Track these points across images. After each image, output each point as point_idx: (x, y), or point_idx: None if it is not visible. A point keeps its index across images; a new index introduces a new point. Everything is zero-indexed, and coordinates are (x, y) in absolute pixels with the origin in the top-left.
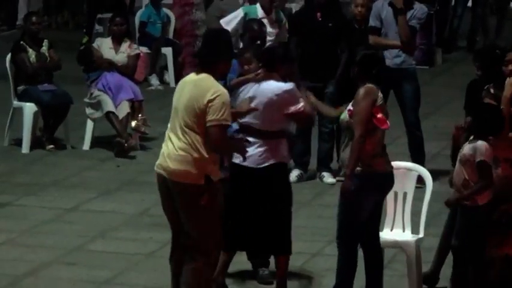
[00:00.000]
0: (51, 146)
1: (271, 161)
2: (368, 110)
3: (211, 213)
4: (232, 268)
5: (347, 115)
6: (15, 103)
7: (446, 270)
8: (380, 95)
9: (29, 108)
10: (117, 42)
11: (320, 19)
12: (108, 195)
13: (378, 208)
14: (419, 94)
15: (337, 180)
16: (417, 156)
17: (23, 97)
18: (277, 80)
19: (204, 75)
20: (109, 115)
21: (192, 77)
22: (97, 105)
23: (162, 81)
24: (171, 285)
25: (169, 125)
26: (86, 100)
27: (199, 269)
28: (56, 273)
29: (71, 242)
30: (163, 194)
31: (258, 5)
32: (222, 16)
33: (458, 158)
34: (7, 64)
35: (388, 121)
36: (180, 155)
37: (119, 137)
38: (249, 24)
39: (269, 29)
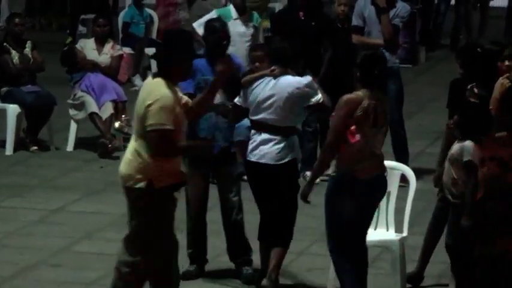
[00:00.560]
0: (35, 147)
1: (289, 158)
2: (341, 121)
3: (152, 221)
4: (214, 267)
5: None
6: None
7: (432, 269)
8: (365, 104)
9: (13, 110)
10: (100, 43)
11: (303, 18)
12: (93, 196)
13: (362, 213)
14: (402, 93)
15: (321, 180)
16: (401, 155)
17: (7, 98)
18: (293, 74)
19: (154, 80)
20: (92, 116)
21: (147, 80)
22: (80, 106)
23: None
24: None
25: None
26: (70, 101)
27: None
28: (42, 274)
29: (56, 244)
30: None
31: (231, 6)
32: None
33: (448, 157)
34: None
35: (358, 135)
36: (128, 158)
37: (103, 137)
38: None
39: (243, 29)
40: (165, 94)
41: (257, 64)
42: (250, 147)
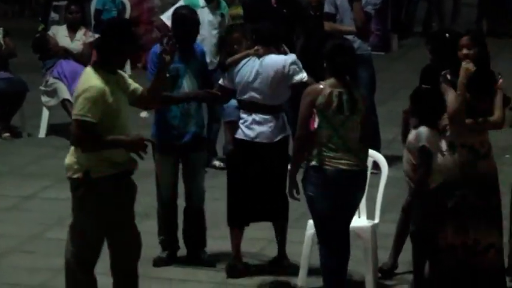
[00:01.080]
0: (7, 134)
1: (282, 135)
2: (305, 112)
3: (90, 211)
4: (185, 253)
5: None
6: None
7: (405, 256)
8: (326, 92)
9: None
10: (73, 30)
11: (275, 5)
12: (65, 182)
13: (332, 203)
14: (374, 80)
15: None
16: (373, 142)
17: None
18: (276, 53)
19: (87, 69)
20: (65, 103)
21: (86, 68)
22: (53, 93)
23: None
24: None
25: None
26: (42, 88)
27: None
28: (15, 261)
29: (29, 230)
30: None
31: None
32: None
33: (406, 144)
34: None
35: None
36: (71, 148)
37: None
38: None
39: (211, 17)
40: (92, 85)
41: (235, 46)
42: (242, 126)
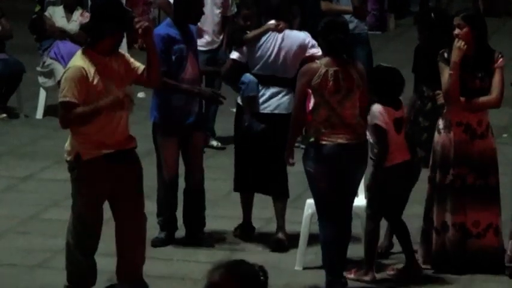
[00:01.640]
0: (4, 115)
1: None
2: (301, 91)
3: (82, 192)
4: (183, 234)
5: None
6: None
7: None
8: (322, 71)
9: None
10: (69, 11)
11: None
12: (62, 163)
13: (330, 180)
14: (371, 59)
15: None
16: None
17: None
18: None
19: (78, 51)
20: None
21: None
22: (49, 74)
23: None
24: None
25: None
26: (39, 69)
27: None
28: (11, 242)
29: (25, 211)
30: None
31: None
32: None
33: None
34: None
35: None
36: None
37: None
38: None
39: None
40: (74, 66)
41: (248, 23)
42: (260, 100)
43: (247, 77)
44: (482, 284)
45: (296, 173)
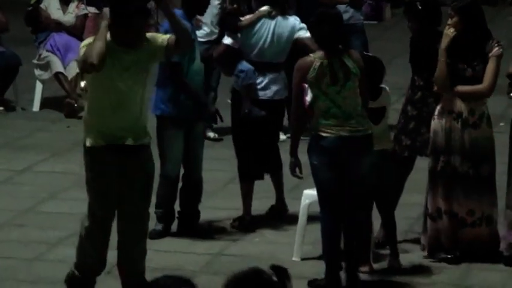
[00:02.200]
0: (1, 108)
1: (286, 92)
2: (297, 86)
3: (89, 179)
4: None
5: None
6: None
7: (398, 225)
8: (316, 64)
9: None
10: (65, 3)
11: None
12: (59, 156)
13: (331, 172)
14: (367, 49)
15: (287, 137)
16: None
17: None
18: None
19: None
20: (58, 76)
21: None
22: (46, 66)
23: None
24: None
25: None
26: (35, 61)
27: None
28: (8, 235)
29: (22, 204)
30: None
31: None
32: None
33: None
34: None
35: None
36: None
37: (69, 97)
38: None
39: None
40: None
41: (235, 6)
42: (259, 87)
43: (245, 65)
44: (479, 273)
45: None
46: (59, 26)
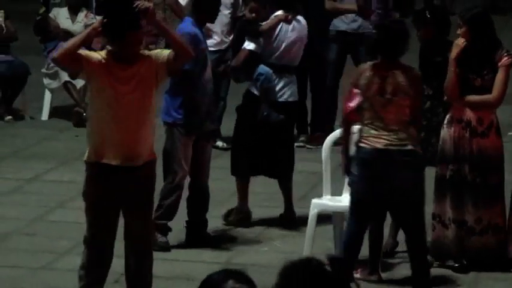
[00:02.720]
0: (10, 117)
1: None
2: (347, 92)
3: (84, 197)
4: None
5: None
6: None
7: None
8: (367, 73)
9: None
10: (74, 12)
11: None
12: (68, 165)
13: (366, 184)
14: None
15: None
16: None
17: None
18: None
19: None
20: (67, 85)
21: None
22: (54, 75)
23: None
24: None
25: None
26: (44, 70)
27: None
28: (16, 244)
29: (30, 213)
30: None
31: None
32: None
33: None
34: None
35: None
36: None
37: (78, 106)
38: None
39: None
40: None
41: (253, 15)
42: (277, 89)
43: (264, 68)
44: (488, 282)
45: (301, 172)
46: (67, 35)
